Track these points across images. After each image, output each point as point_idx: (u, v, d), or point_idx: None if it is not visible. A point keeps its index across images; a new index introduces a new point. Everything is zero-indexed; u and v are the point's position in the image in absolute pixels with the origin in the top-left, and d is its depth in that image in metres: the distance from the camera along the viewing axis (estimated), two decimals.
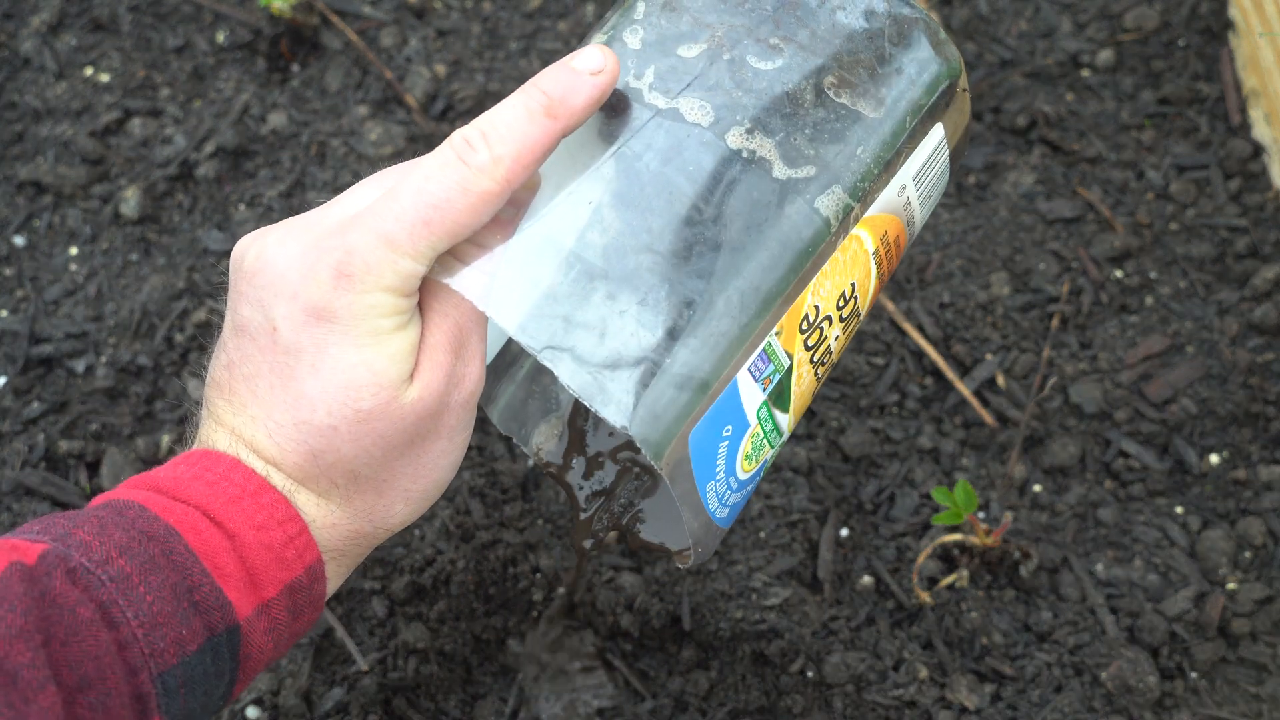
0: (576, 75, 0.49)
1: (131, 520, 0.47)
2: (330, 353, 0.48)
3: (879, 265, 0.56)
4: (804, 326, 0.53)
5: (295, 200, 0.95)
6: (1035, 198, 0.94)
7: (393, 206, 0.47)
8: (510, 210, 0.50)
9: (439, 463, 0.52)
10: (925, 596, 0.77)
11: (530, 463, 0.64)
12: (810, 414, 0.86)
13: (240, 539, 0.49)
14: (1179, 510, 0.82)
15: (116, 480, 0.84)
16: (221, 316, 0.91)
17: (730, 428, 0.51)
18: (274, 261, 0.49)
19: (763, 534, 0.81)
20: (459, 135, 0.48)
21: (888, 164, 0.54)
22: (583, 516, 0.64)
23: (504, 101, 0.49)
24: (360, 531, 0.52)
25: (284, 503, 0.50)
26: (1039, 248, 0.92)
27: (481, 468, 0.83)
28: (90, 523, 0.47)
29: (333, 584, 0.53)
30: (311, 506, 0.51)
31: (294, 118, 1.00)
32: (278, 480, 0.50)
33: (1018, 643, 0.77)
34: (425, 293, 0.50)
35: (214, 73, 1.03)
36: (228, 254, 0.94)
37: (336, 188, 0.95)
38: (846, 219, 0.53)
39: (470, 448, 0.84)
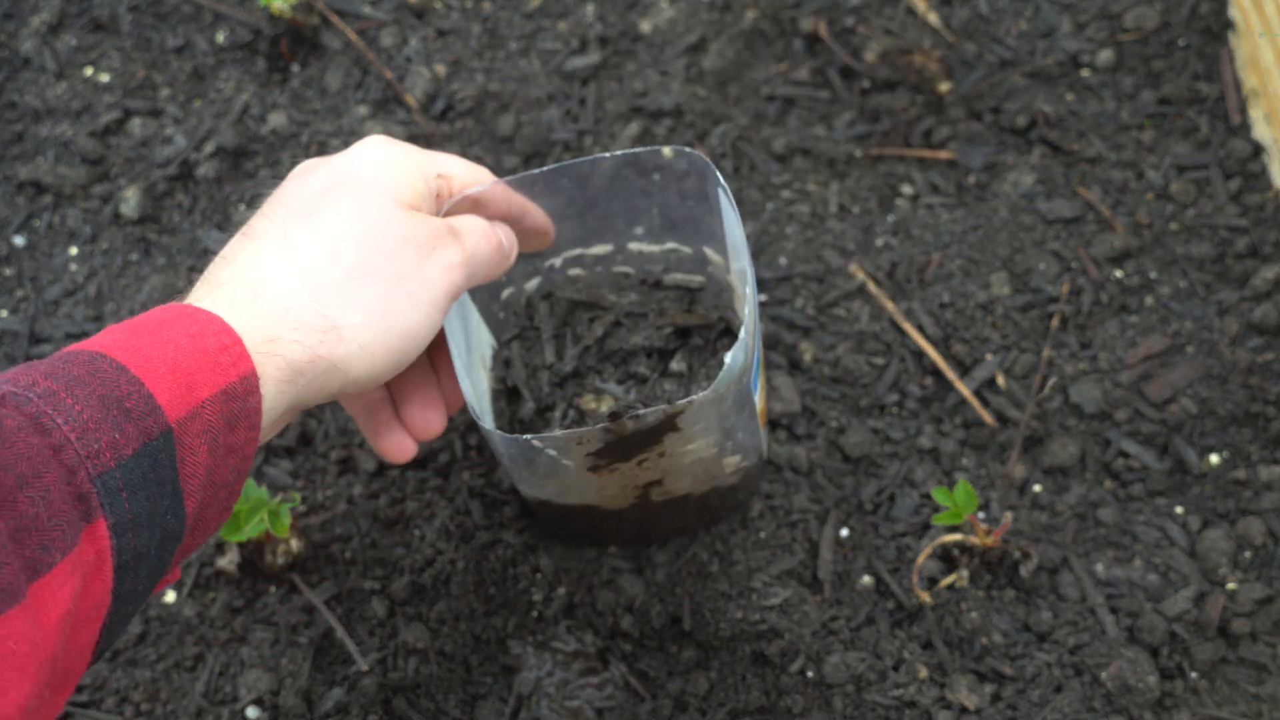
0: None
1: (57, 356, 0.50)
2: (355, 172, 0.61)
3: None
4: None
5: None
6: (1035, 198, 0.94)
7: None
8: None
9: (405, 295, 0.58)
10: (925, 596, 0.77)
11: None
12: (810, 414, 0.86)
13: (172, 344, 0.50)
14: (1179, 510, 0.82)
15: None
16: None
17: None
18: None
19: (763, 534, 0.81)
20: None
21: None
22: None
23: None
24: (309, 323, 0.55)
25: (217, 319, 0.53)
26: (1039, 248, 0.92)
27: (480, 468, 0.83)
28: (16, 368, 0.49)
29: (272, 415, 0.54)
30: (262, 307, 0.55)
31: (294, 118, 1.00)
32: (227, 300, 0.55)
33: (1018, 643, 0.77)
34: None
35: (214, 73, 1.03)
36: None
37: None
38: None
39: (469, 448, 0.84)
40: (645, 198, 0.76)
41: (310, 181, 0.61)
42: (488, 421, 0.73)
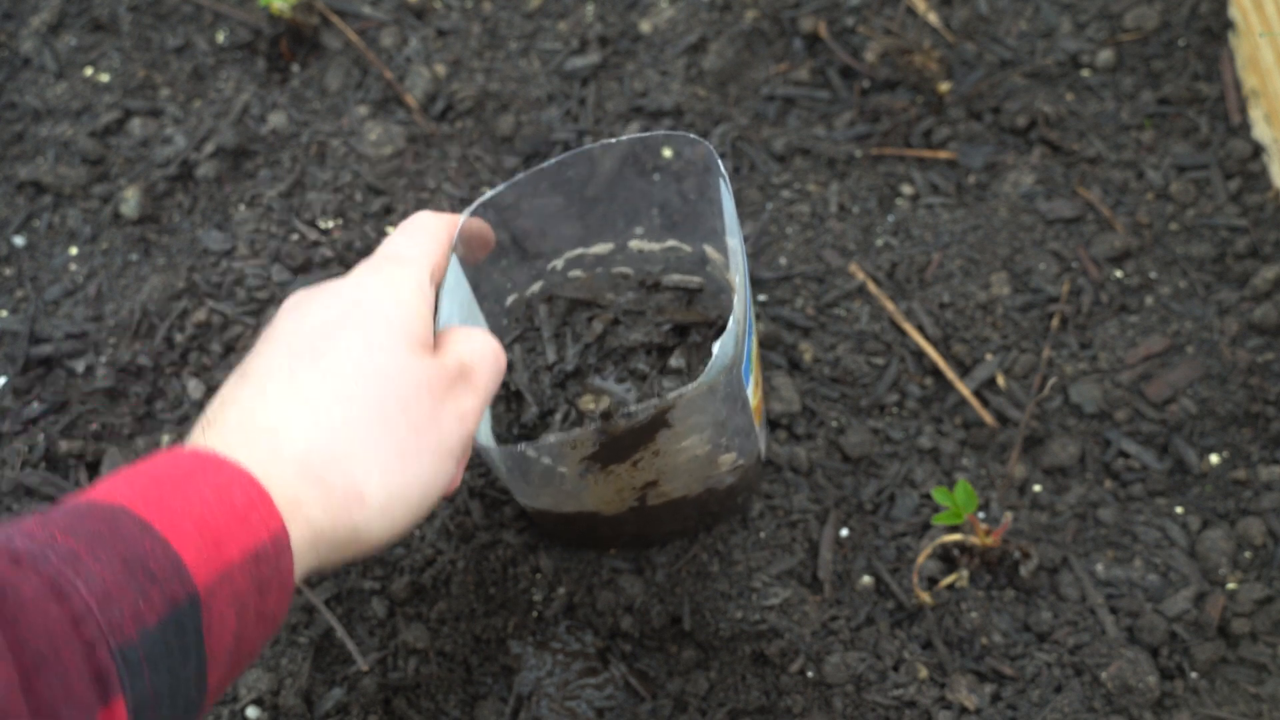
0: None
1: (74, 508, 0.46)
2: (358, 308, 0.58)
3: None
4: None
5: (295, 200, 0.95)
6: (1035, 198, 0.94)
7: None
8: None
9: (424, 450, 0.55)
10: (925, 596, 0.77)
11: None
12: (810, 414, 0.86)
13: (198, 499, 0.47)
14: (1179, 510, 0.82)
15: None
16: (222, 315, 0.91)
17: None
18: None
19: (763, 534, 0.81)
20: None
21: None
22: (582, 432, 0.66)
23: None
24: (328, 482, 0.51)
25: (245, 473, 0.49)
26: (1039, 248, 0.92)
27: (481, 468, 0.83)
28: (32, 517, 0.46)
29: (296, 579, 0.51)
30: (285, 481, 0.51)
31: (294, 118, 1.00)
32: (246, 447, 0.50)
33: (1018, 643, 0.77)
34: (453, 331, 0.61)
35: (214, 73, 1.03)
36: (228, 254, 0.94)
37: (337, 188, 0.95)
38: None
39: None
40: (645, 197, 0.76)
41: (310, 316, 0.57)
42: (484, 436, 0.73)
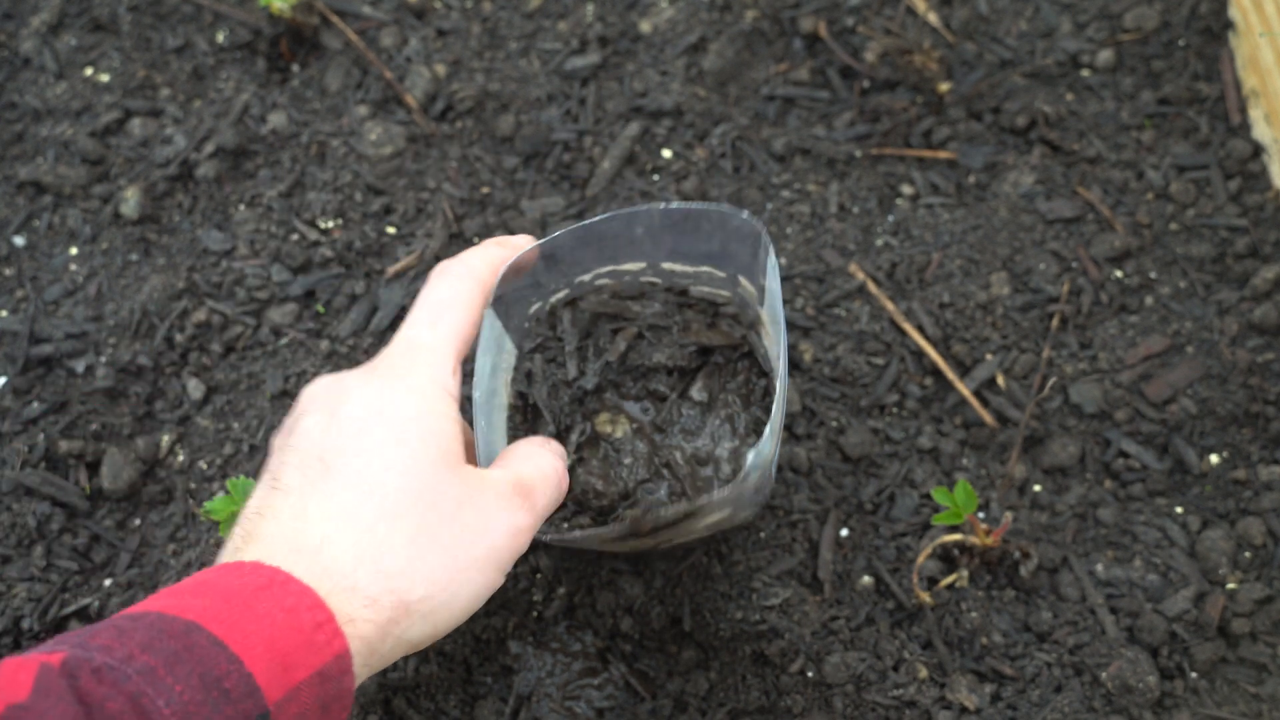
0: None
1: (150, 623, 0.47)
2: (389, 417, 0.57)
3: None
4: None
5: (295, 200, 0.95)
6: (1035, 198, 0.94)
7: None
8: None
9: (473, 560, 0.55)
10: (925, 596, 0.77)
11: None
12: (810, 414, 0.86)
13: (269, 619, 0.48)
14: (1179, 510, 0.82)
15: (116, 479, 0.84)
16: (222, 315, 0.91)
17: None
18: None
19: (763, 534, 0.81)
20: None
21: None
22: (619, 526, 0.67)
23: None
24: (376, 598, 0.52)
25: (310, 592, 0.50)
26: (1039, 248, 0.92)
27: None
28: (107, 630, 0.47)
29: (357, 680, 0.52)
30: (340, 590, 0.51)
31: (294, 118, 1.00)
32: (303, 565, 0.51)
33: (1018, 643, 0.77)
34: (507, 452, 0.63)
35: (214, 73, 1.03)
36: (228, 254, 0.94)
37: (337, 188, 0.95)
38: None
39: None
40: (685, 243, 0.75)
41: (339, 419, 0.57)
42: (496, 434, 0.73)
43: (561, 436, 0.77)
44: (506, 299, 0.72)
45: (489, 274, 0.65)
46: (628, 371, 0.79)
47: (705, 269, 0.77)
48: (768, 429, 0.63)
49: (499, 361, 0.75)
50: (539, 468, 0.61)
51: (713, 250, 0.75)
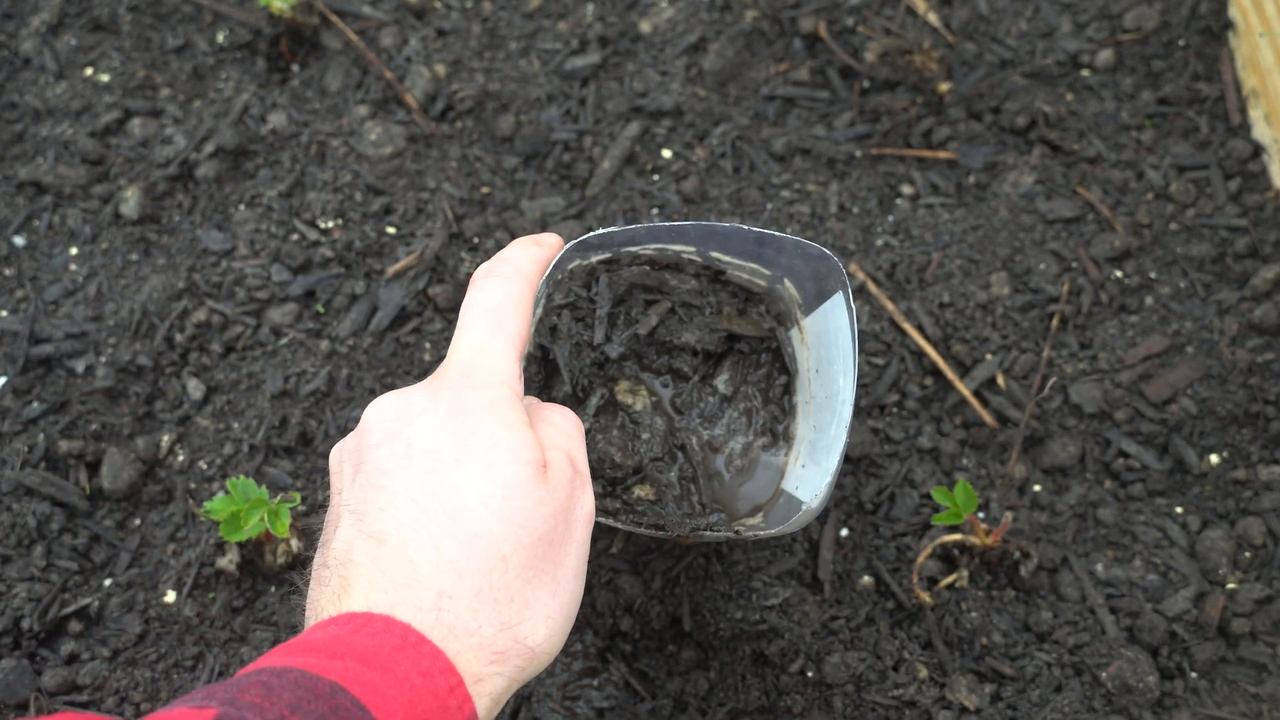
0: None
1: (295, 680, 0.47)
2: (470, 442, 0.54)
3: None
4: None
5: (295, 200, 0.95)
6: (1035, 198, 0.94)
7: None
8: None
9: (570, 574, 0.54)
10: (925, 596, 0.77)
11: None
12: None
13: (407, 684, 0.48)
14: (1179, 510, 0.82)
15: (116, 479, 0.84)
16: (222, 315, 0.91)
17: None
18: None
19: None
20: None
21: None
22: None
23: None
24: (503, 652, 0.51)
25: (441, 654, 0.49)
26: (1039, 248, 0.92)
27: None
28: (254, 687, 0.46)
29: None
30: (459, 633, 0.51)
31: (294, 118, 1.00)
32: (428, 624, 0.50)
33: (1018, 643, 0.77)
34: (537, 421, 0.58)
35: (214, 73, 1.03)
36: (228, 254, 0.94)
37: (336, 187, 0.95)
38: None
39: None
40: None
41: (417, 452, 0.54)
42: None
43: (577, 398, 0.76)
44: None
45: (537, 274, 0.64)
46: (653, 345, 0.78)
47: (754, 266, 0.76)
48: (829, 477, 0.64)
49: None
50: (568, 434, 0.59)
51: (764, 252, 0.74)
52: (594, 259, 0.75)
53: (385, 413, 0.56)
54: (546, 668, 0.77)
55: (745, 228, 0.71)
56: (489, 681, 0.51)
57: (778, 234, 0.71)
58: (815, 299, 0.74)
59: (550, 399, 0.76)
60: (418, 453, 0.54)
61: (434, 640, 0.50)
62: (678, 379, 0.78)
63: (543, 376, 0.76)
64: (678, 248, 0.76)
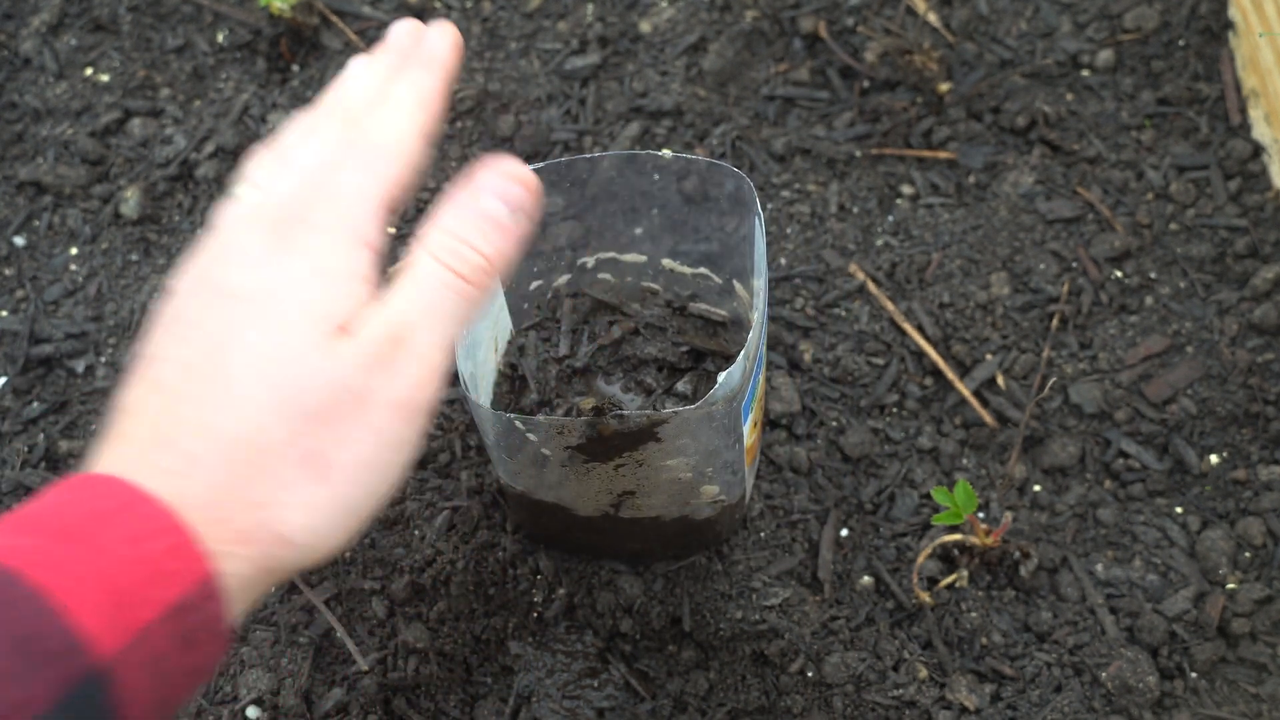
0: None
1: None
2: (269, 290, 0.47)
3: None
4: None
5: None
6: (1035, 198, 0.94)
7: None
8: None
9: (353, 463, 0.46)
10: (925, 596, 0.77)
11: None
12: (810, 414, 0.86)
13: (109, 553, 0.41)
14: (1179, 510, 0.82)
15: None
16: None
17: None
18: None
19: (763, 534, 0.81)
20: None
21: None
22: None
23: None
24: (246, 531, 0.45)
25: (165, 512, 0.43)
26: (1039, 248, 0.92)
27: (481, 467, 0.83)
28: None
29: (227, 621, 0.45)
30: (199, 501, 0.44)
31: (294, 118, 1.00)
32: (164, 487, 0.44)
33: (1018, 643, 0.77)
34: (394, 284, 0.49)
35: (214, 73, 1.03)
36: None
37: None
38: None
39: (469, 448, 0.84)
40: (680, 211, 0.76)
41: (217, 301, 0.47)
42: (482, 398, 0.74)
43: (545, 407, 0.78)
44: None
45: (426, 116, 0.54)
46: (619, 361, 0.80)
47: (703, 270, 0.78)
48: (740, 356, 0.61)
49: (491, 327, 0.77)
50: (408, 301, 0.48)
51: (711, 251, 0.75)
52: (555, 283, 0.79)
53: (203, 263, 0.49)
54: (546, 667, 0.76)
55: (662, 152, 0.72)
56: (228, 560, 0.44)
57: (688, 156, 0.72)
58: (751, 276, 0.75)
59: (518, 406, 0.79)
60: (217, 301, 0.47)
61: (164, 497, 0.43)
62: (643, 392, 0.79)
63: (514, 393, 0.78)
64: (629, 258, 0.79)
